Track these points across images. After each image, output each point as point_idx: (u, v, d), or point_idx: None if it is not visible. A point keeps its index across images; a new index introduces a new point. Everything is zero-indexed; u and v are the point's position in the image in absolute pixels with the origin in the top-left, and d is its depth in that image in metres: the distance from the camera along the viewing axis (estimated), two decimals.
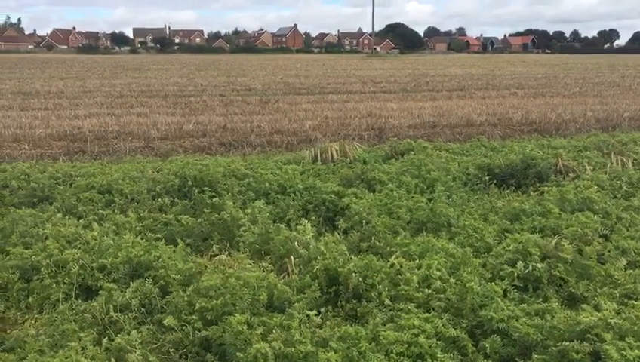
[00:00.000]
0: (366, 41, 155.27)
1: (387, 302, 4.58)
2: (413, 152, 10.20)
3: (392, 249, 5.62)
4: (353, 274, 4.85)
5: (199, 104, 21.38)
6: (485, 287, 4.58)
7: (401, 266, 5.04)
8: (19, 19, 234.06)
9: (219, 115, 18.27)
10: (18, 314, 4.91)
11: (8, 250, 5.66)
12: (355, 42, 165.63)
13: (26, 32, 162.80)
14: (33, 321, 4.78)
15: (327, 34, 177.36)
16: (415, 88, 29.11)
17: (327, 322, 4.42)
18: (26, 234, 6.14)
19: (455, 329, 4.12)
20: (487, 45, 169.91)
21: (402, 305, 4.49)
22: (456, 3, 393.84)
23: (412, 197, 7.32)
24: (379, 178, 8.34)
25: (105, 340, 4.15)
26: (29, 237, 6.04)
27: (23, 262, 5.34)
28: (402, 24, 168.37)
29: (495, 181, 8.62)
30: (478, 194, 8.21)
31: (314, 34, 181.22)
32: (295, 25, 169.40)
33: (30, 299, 4.97)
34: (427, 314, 4.26)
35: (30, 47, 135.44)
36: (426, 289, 4.69)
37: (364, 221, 6.47)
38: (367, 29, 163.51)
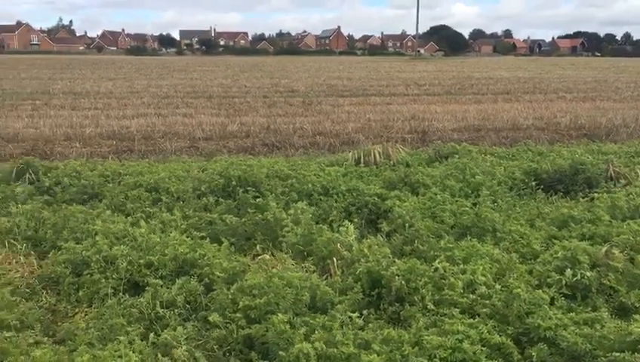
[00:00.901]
0: (410, 44, 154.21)
1: (430, 306, 4.55)
2: (457, 156, 10.08)
3: (435, 253, 5.56)
4: (396, 277, 4.82)
5: (243, 105, 21.63)
6: (532, 294, 4.49)
7: (445, 271, 4.98)
8: (70, 22, 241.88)
9: (262, 116, 18.44)
10: (69, 307, 5.08)
11: (60, 245, 5.87)
12: (398, 44, 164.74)
13: (77, 34, 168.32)
14: (83, 315, 4.94)
15: (371, 36, 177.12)
16: (459, 91, 28.71)
17: (370, 324, 4.41)
18: (77, 229, 6.33)
19: (500, 336, 4.05)
20: (535, 48, 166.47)
21: (446, 309, 4.45)
22: (503, 5, 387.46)
23: (456, 201, 7.24)
24: (422, 181, 8.27)
25: (152, 335, 4.24)
26: (79, 233, 6.22)
27: (74, 257, 5.51)
28: (447, 26, 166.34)
29: (542, 186, 8.43)
30: (524, 199, 8.05)
31: (357, 36, 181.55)
32: (338, 27, 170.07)
33: (80, 293, 5.13)
34: (472, 320, 4.22)
35: (81, 48, 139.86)
36: (471, 295, 4.64)
37: (407, 224, 6.43)
38: (411, 31, 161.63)
